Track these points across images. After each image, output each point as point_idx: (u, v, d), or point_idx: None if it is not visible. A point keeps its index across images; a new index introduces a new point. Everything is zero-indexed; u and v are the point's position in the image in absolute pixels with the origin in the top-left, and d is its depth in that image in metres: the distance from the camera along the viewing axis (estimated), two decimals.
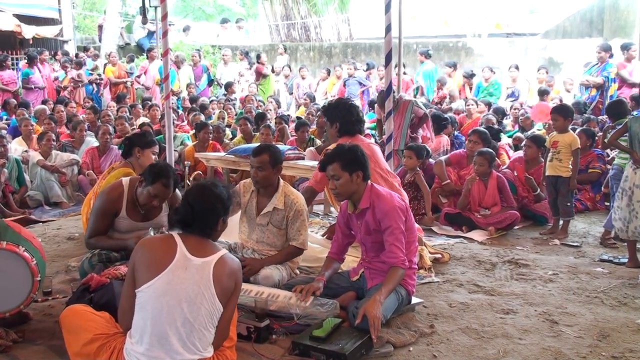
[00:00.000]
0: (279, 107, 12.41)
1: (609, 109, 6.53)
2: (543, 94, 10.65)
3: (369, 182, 3.69)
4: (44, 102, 10.98)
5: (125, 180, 4.17)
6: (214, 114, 10.76)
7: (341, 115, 4.66)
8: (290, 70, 14.48)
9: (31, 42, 14.61)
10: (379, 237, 3.60)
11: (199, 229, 2.76)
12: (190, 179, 7.42)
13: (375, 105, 8.61)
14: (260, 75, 14.19)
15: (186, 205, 2.78)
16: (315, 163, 5.54)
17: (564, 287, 4.31)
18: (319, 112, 9.46)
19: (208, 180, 3.23)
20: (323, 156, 3.89)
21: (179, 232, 2.78)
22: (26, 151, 7.68)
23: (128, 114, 9.88)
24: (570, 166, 5.70)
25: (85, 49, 14.42)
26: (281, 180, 4.23)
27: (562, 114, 5.77)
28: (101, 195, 4.17)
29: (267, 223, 4.16)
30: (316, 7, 17.61)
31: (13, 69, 12.86)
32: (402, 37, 8.65)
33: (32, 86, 12.19)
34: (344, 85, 13.08)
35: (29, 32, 14.39)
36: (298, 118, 9.91)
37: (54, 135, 7.78)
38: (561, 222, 5.83)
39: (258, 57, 14.47)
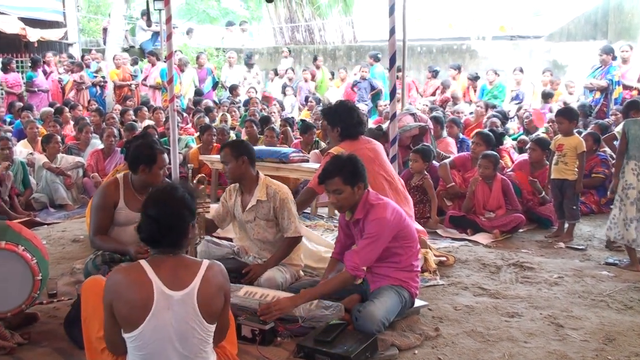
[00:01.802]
0: (282, 109, 12.41)
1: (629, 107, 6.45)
2: (547, 96, 10.65)
3: (367, 190, 3.63)
4: (51, 105, 10.99)
5: (120, 175, 4.22)
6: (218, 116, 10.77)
7: (342, 118, 4.58)
8: (294, 73, 14.47)
9: (36, 45, 14.65)
10: None
11: (169, 243, 2.51)
12: (194, 181, 7.40)
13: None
14: (313, 78, 13.81)
15: (149, 221, 2.48)
16: (319, 165, 5.52)
17: (569, 291, 4.29)
18: (317, 115, 9.49)
19: (165, 185, 2.88)
20: (322, 167, 3.77)
21: (149, 258, 2.54)
22: (31, 154, 7.68)
23: (134, 116, 9.90)
24: (576, 169, 5.68)
25: (92, 52, 14.44)
26: (261, 174, 4.25)
27: (567, 117, 5.75)
28: (98, 192, 4.23)
29: (254, 218, 4.17)
30: (320, 9, 17.62)
31: (18, 72, 12.91)
32: (406, 39, 8.65)
33: (36, 89, 12.20)
34: (352, 88, 12.76)
35: (34, 35, 14.42)
36: (302, 121, 9.92)
37: (59, 137, 7.81)
38: (566, 225, 5.80)
39: (315, 59, 14.12)
